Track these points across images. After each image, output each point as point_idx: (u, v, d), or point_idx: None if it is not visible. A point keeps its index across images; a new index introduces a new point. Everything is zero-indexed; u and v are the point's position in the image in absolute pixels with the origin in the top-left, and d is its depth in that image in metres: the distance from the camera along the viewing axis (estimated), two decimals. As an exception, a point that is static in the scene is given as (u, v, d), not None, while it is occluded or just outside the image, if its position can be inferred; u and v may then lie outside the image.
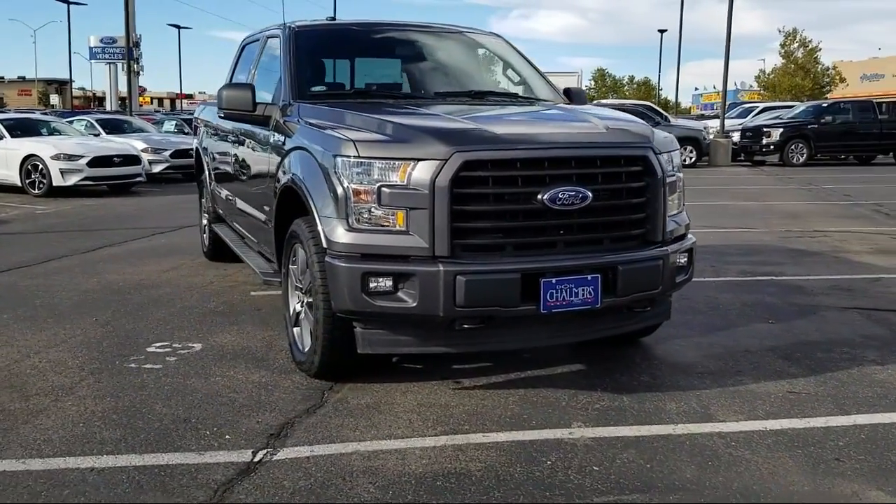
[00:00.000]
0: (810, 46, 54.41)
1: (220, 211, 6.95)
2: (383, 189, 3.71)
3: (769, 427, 3.62)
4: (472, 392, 4.09)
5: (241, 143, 5.69)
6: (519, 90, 5.53)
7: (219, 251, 7.57)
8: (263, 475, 3.13)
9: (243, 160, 5.65)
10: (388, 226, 3.75)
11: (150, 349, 4.84)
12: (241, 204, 5.85)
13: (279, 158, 4.63)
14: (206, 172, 7.38)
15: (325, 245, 3.88)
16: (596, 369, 4.45)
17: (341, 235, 3.81)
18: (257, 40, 6.22)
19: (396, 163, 3.71)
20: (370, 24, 5.74)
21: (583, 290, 3.81)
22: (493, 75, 5.74)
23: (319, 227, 3.91)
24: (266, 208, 5.01)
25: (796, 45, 54.39)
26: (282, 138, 4.65)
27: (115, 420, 3.69)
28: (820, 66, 55.03)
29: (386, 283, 3.73)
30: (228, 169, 6.25)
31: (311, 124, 4.36)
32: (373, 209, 3.76)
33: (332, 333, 4.00)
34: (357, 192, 3.77)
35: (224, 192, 6.54)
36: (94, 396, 4.00)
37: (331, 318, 3.95)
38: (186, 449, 3.38)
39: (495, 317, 3.80)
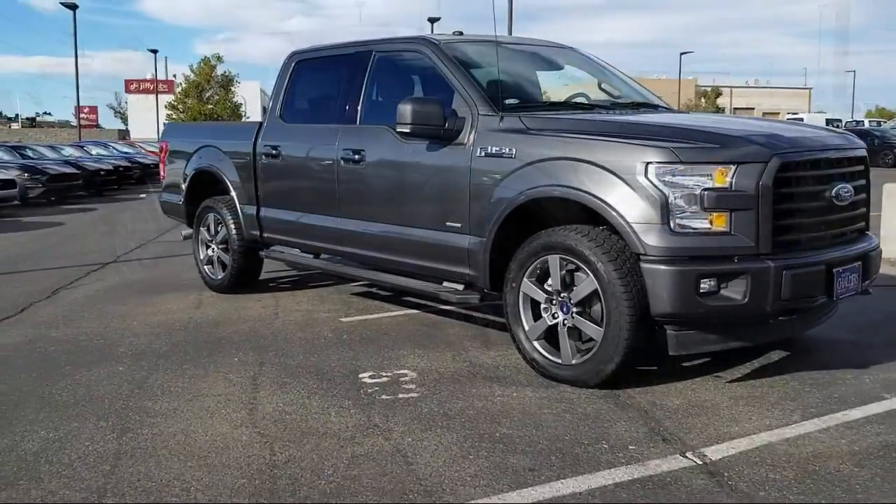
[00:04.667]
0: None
1: (280, 237, 6.43)
2: (706, 193, 3.89)
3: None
4: (748, 384, 4.34)
5: (375, 163, 5.39)
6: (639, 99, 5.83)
7: (241, 282, 7.01)
8: (740, 471, 3.19)
9: (388, 180, 5.34)
10: (708, 228, 3.92)
11: (365, 380, 4.48)
12: (365, 226, 5.52)
13: (500, 171, 4.55)
14: (234, 196, 6.76)
15: (641, 251, 3.95)
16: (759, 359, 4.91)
17: (664, 240, 3.91)
18: (347, 55, 5.91)
19: (717, 167, 3.91)
20: (503, 40, 5.74)
21: (854, 277, 4.27)
22: (628, 85, 5.99)
23: (631, 234, 3.97)
24: (455, 224, 4.85)
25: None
26: (506, 149, 4.55)
27: (494, 448, 3.47)
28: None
29: (712, 283, 3.90)
30: (325, 191, 5.82)
31: (571, 135, 4.36)
32: (694, 213, 3.91)
33: (636, 339, 4.06)
34: (677, 197, 3.91)
35: (300, 218, 6.10)
36: (421, 430, 3.70)
37: (636, 324, 4.02)
38: (622, 463, 3.31)
39: (798, 308, 4.14)
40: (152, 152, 32.74)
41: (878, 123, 41.45)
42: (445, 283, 5.11)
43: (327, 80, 6.17)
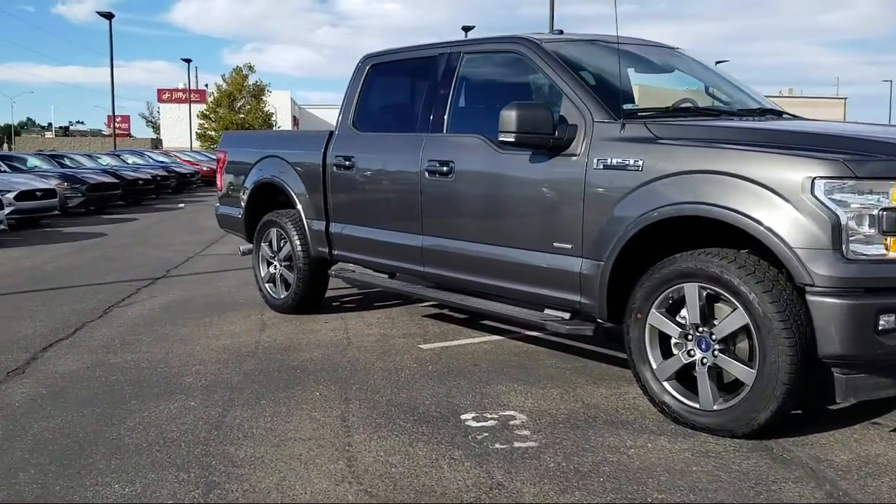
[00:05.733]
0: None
1: (352, 254, 5.93)
2: (885, 213, 3.31)
3: None
4: (915, 432, 3.76)
5: (467, 176, 4.86)
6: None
7: (306, 302, 6.52)
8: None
9: (482, 195, 4.80)
10: (884, 255, 3.35)
11: (469, 422, 3.94)
12: (453, 245, 4.98)
13: (623, 186, 4.00)
14: (300, 210, 6.27)
15: (808, 280, 3.38)
16: None
17: (836, 269, 3.34)
18: (429, 58, 5.38)
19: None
20: (607, 40, 5.18)
21: None
22: (740, 90, 5.40)
23: (795, 261, 3.40)
24: (565, 245, 4.30)
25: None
26: (631, 160, 4.00)
27: (653, 518, 2.91)
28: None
29: (892, 319, 3.33)
30: (406, 205, 5.31)
31: (712, 145, 3.80)
32: (869, 236, 3.34)
33: (796, 383, 3.48)
34: (851, 218, 3.33)
35: (376, 235, 5.59)
36: (555, 492, 3.15)
37: (798, 365, 3.44)
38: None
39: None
40: (188, 161, 32.62)
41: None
42: (547, 311, 4.58)
43: (407, 85, 5.70)
